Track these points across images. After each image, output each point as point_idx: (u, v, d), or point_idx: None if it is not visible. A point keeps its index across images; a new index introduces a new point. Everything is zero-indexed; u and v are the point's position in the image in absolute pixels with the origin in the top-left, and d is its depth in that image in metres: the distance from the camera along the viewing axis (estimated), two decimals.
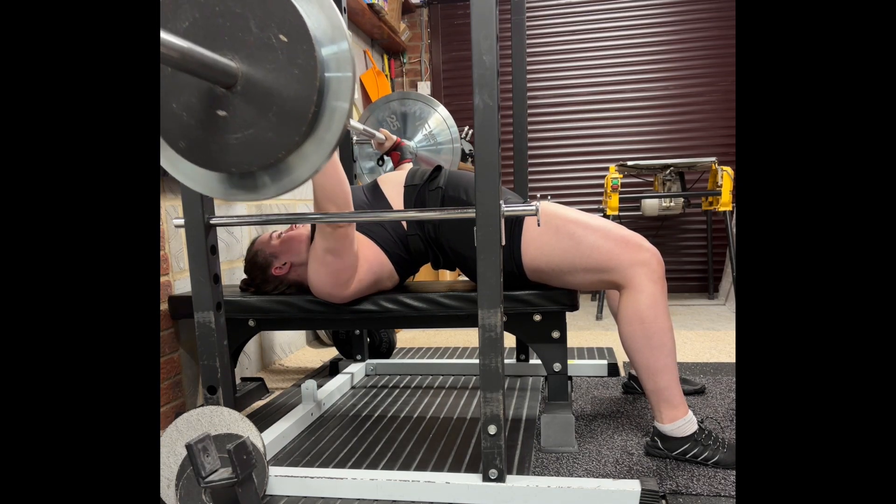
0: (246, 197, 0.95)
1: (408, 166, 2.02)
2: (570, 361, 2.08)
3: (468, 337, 2.82)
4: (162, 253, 1.76)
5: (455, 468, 1.38)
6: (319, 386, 1.92)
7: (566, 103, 3.86)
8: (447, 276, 3.62)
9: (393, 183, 1.63)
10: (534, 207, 1.12)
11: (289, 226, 1.66)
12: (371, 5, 3.11)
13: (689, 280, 3.85)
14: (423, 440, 1.56)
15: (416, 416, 1.75)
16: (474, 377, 2.11)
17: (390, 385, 2.06)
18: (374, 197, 1.60)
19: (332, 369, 2.19)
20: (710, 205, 3.25)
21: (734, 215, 3.27)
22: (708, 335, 2.67)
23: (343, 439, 1.59)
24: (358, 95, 3.37)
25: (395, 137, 2.07)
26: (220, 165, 0.90)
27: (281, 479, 1.27)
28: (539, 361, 2.04)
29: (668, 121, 3.76)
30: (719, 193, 3.07)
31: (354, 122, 1.87)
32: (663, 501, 1.20)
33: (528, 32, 3.84)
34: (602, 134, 3.84)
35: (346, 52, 0.85)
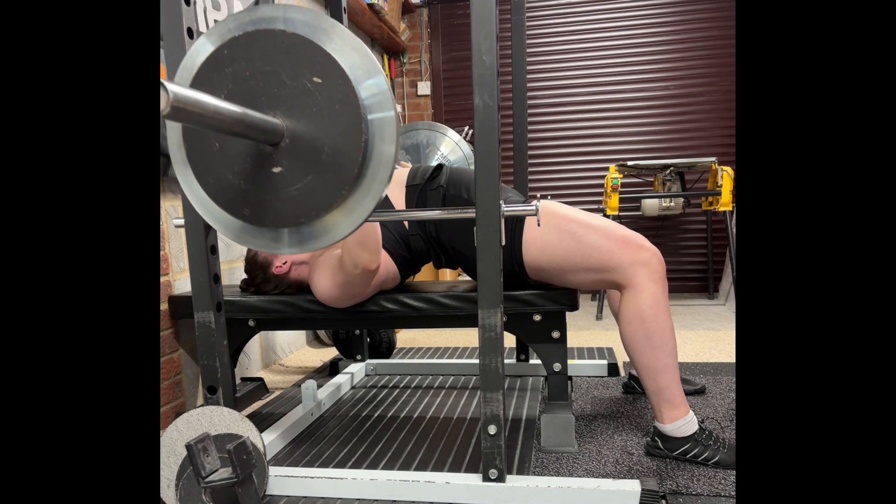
0: (317, 245, 0.96)
1: (409, 165, 2.02)
2: (570, 361, 2.08)
3: (468, 337, 2.82)
4: (162, 253, 1.76)
5: (455, 468, 1.38)
6: (319, 386, 1.92)
7: (566, 103, 3.86)
8: (448, 275, 3.63)
9: (394, 182, 1.62)
10: (534, 207, 1.12)
11: None
12: (371, 5, 3.11)
13: (689, 280, 3.85)
14: (423, 440, 1.56)
15: (416, 416, 1.75)
16: (474, 377, 2.11)
17: (390, 385, 2.06)
18: None
19: (332, 369, 2.19)
20: (710, 205, 3.25)
21: (734, 215, 3.27)
22: (708, 335, 2.67)
23: (343, 439, 1.59)
24: None
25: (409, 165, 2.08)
26: (288, 220, 0.92)
27: (281, 479, 1.27)
28: (539, 361, 2.04)
29: (668, 121, 3.76)
30: (719, 193, 3.07)
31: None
32: (663, 501, 1.20)
33: (528, 32, 3.84)
34: (602, 134, 3.84)
35: (383, 86, 0.88)
